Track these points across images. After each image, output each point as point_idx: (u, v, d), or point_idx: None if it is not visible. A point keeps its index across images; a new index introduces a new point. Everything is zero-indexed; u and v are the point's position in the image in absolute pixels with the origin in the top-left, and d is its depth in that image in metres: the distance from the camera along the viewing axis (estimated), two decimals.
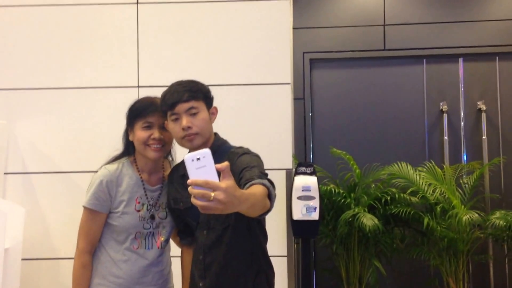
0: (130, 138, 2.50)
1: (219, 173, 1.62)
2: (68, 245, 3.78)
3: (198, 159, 1.61)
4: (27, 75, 4.12)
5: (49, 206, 4.02)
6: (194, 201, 1.57)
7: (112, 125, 3.89)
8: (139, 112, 2.45)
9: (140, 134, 2.43)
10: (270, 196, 1.95)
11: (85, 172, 3.92)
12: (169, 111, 2.24)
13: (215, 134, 2.37)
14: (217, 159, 2.06)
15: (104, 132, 4.00)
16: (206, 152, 1.62)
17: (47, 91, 4.10)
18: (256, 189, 1.89)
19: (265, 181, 1.96)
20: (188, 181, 1.58)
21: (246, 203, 1.72)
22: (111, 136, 3.83)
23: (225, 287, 2.23)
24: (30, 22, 4.14)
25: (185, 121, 2.20)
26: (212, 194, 1.56)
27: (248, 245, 2.25)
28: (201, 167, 1.60)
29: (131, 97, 3.86)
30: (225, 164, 1.62)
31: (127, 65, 4.10)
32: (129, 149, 2.54)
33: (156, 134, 2.41)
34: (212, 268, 2.24)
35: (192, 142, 2.22)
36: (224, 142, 2.37)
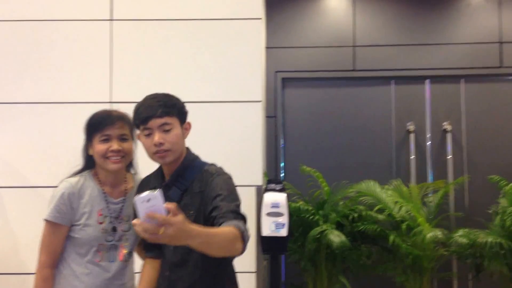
0: (90, 152, 2.49)
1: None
2: (36, 260, 3.80)
3: (148, 200, 1.65)
4: None
5: (18, 221, 3.98)
6: (142, 233, 1.63)
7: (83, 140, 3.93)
8: (96, 125, 2.44)
9: (98, 147, 2.42)
10: (244, 239, 1.95)
11: (55, 187, 3.89)
12: (141, 125, 2.21)
13: (187, 149, 2.33)
14: (188, 174, 2.17)
15: (75, 147, 3.88)
16: (155, 195, 1.66)
17: (18, 105, 4.07)
18: (224, 229, 1.92)
19: (241, 224, 1.98)
20: (147, 213, 1.63)
21: (196, 239, 1.74)
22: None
23: None
24: (1, 36, 4.14)
25: (157, 137, 2.16)
26: (161, 230, 1.62)
27: (214, 266, 2.21)
28: (150, 207, 1.65)
29: None
30: (173, 206, 1.65)
31: (100, 81, 4.09)
32: (89, 163, 2.52)
33: (114, 146, 2.40)
34: (177, 285, 2.23)
35: (163, 159, 2.20)
36: (196, 158, 2.33)
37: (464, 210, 5.05)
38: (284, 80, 5.33)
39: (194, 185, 2.19)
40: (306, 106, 5.33)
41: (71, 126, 3.96)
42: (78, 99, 4.07)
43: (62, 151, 3.98)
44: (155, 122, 2.17)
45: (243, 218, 2.07)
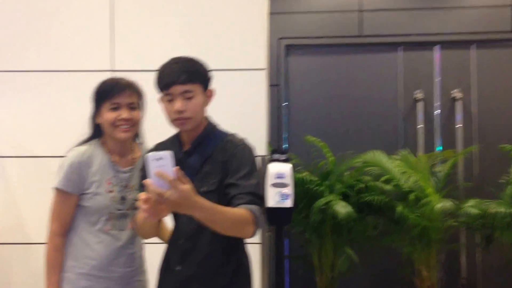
0: (98, 121, 2.49)
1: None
2: (40, 230, 3.80)
3: (159, 159, 1.76)
4: None
5: (21, 191, 3.96)
6: (149, 192, 1.75)
7: (86, 109, 3.87)
8: (105, 93, 2.44)
9: (107, 115, 2.42)
10: (256, 224, 2.03)
11: (56, 157, 3.83)
12: (163, 90, 2.18)
13: (208, 116, 2.32)
14: (209, 142, 2.20)
15: (77, 116, 3.84)
16: (166, 154, 1.76)
17: (18, 74, 4.00)
18: (236, 210, 1.99)
19: (255, 209, 2.03)
20: (155, 172, 1.75)
21: (200, 211, 1.85)
22: (85, 120, 3.83)
23: (205, 276, 2.18)
24: (1, 5, 4.04)
25: (178, 104, 2.13)
26: (167, 193, 1.73)
27: (230, 238, 2.17)
28: (161, 166, 1.75)
29: None
30: (181, 172, 1.78)
31: (101, 49, 4.03)
32: (97, 132, 2.53)
33: (124, 114, 2.40)
34: (191, 255, 2.19)
35: (183, 126, 2.19)
36: (216, 126, 2.32)
37: (473, 180, 4.96)
38: (287, 47, 5.22)
39: (217, 154, 2.20)
40: (310, 74, 5.22)
41: (72, 94, 3.95)
42: (79, 68, 4.01)
43: (64, 119, 3.95)
44: (177, 89, 2.14)
45: (260, 199, 2.10)
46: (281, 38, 5.18)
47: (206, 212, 1.87)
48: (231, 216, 1.97)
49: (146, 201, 1.78)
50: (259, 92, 4.04)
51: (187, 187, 1.76)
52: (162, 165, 1.74)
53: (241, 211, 1.99)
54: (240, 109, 3.96)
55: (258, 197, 2.10)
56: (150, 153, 1.77)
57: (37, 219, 3.86)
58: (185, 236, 2.21)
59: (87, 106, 3.91)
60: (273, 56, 5.08)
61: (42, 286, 3.82)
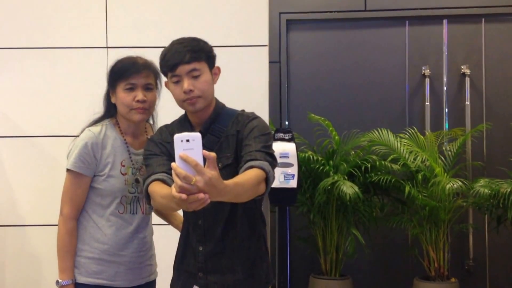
0: (113, 100, 2.44)
1: (205, 160, 1.67)
2: (34, 212, 3.85)
3: (187, 140, 1.66)
4: None
5: (14, 172, 3.90)
6: (175, 178, 1.65)
7: (80, 87, 3.81)
8: (121, 73, 2.38)
9: (123, 96, 2.37)
10: (268, 181, 1.99)
11: (50, 137, 3.85)
12: (169, 72, 2.16)
13: (215, 97, 2.30)
14: (222, 121, 2.20)
15: (71, 94, 3.86)
16: (196, 135, 1.67)
17: (11, 51, 3.92)
18: (250, 174, 1.94)
19: (266, 165, 1.99)
20: (180, 154, 1.64)
21: (227, 195, 1.79)
22: (78, 98, 3.72)
23: (228, 252, 2.18)
24: None
25: (186, 84, 2.12)
26: (194, 179, 1.64)
27: (251, 210, 2.21)
28: (188, 149, 1.65)
29: (99, 58, 3.75)
30: (213, 154, 1.68)
31: (95, 25, 3.94)
32: (110, 111, 2.48)
33: (140, 95, 2.35)
34: (214, 232, 2.20)
35: (194, 106, 2.16)
36: (224, 106, 2.31)
37: (482, 159, 4.85)
38: (288, 22, 5.07)
39: (230, 130, 2.20)
40: (312, 50, 5.08)
41: (67, 72, 3.89)
42: (74, 45, 3.93)
43: (58, 98, 3.88)
44: (183, 69, 2.13)
45: (272, 158, 2.09)
46: (281, 13, 5.03)
47: (231, 193, 1.82)
48: (250, 182, 1.92)
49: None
50: (260, 69, 3.93)
51: (214, 173, 1.68)
52: (190, 148, 1.65)
53: (253, 173, 1.95)
54: (242, 87, 3.86)
55: (269, 155, 2.08)
56: (178, 134, 1.68)
57: (30, 200, 3.87)
58: (204, 215, 2.19)
59: (81, 84, 3.82)
60: (273, 32, 4.94)
61: (35, 267, 3.79)
